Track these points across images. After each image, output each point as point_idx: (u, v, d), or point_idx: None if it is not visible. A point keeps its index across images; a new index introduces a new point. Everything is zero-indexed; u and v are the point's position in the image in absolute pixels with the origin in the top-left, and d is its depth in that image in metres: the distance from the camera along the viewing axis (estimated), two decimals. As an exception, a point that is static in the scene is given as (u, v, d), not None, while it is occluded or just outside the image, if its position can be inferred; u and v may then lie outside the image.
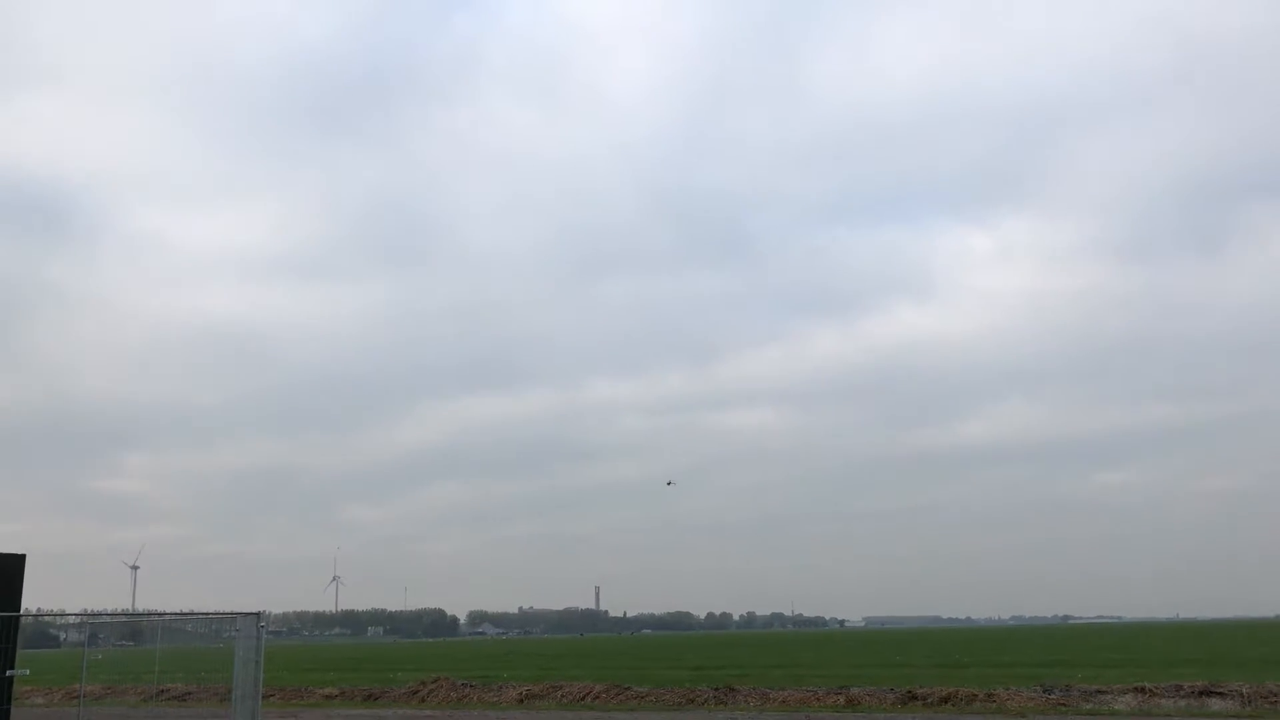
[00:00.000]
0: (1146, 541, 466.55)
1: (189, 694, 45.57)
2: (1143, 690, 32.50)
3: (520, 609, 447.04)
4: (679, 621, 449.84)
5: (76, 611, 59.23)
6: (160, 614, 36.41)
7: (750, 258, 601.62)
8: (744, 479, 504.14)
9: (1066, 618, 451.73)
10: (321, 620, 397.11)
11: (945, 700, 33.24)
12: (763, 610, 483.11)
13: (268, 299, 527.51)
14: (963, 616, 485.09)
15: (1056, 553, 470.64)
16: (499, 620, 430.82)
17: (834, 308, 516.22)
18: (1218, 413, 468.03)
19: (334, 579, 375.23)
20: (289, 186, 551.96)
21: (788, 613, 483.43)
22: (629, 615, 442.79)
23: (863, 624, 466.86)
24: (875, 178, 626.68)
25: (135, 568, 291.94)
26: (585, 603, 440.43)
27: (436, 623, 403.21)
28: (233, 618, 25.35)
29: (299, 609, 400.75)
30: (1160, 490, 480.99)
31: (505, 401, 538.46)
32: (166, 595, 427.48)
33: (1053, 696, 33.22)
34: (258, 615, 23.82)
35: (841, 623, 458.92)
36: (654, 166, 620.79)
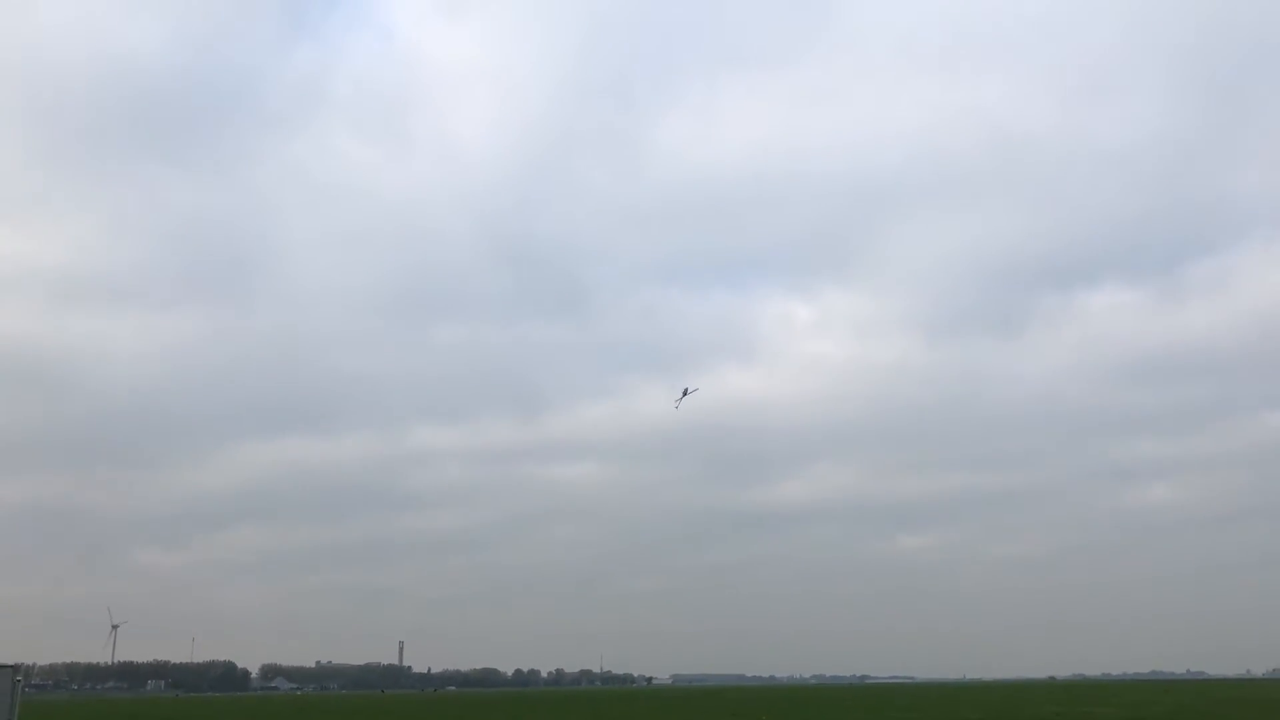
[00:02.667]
0: (940, 603, 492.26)
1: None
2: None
3: (318, 663, 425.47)
4: (485, 678, 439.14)
5: None
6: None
7: (585, 311, 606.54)
8: (563, 533, 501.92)
9: (864, 677, 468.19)
10: (94, 673, 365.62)
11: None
12: (571, 666, 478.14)
13: (71, 322, 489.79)
14: (766, 675, 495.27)
15: (858, 613, 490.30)
16: (294, 674, 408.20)
17: (663, 366, 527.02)
18: (1009, 483, 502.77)
19: (113, 627, 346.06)
20: (102, 204, 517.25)
21: (596, 669, 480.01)
22: (433, 671, 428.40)
23: (670, 681, 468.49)
24: (709, 242, 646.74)
25: None
26: (388, 658, 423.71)
27: (225, 676, 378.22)
28: (-18, 671, 22.28)
29: (69, 660, 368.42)
30: (954, 555, 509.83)
31: (320, 444, 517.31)
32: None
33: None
34: (14, 668, 20.92)
35: (649, 680, 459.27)
36: (495, 211, 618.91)
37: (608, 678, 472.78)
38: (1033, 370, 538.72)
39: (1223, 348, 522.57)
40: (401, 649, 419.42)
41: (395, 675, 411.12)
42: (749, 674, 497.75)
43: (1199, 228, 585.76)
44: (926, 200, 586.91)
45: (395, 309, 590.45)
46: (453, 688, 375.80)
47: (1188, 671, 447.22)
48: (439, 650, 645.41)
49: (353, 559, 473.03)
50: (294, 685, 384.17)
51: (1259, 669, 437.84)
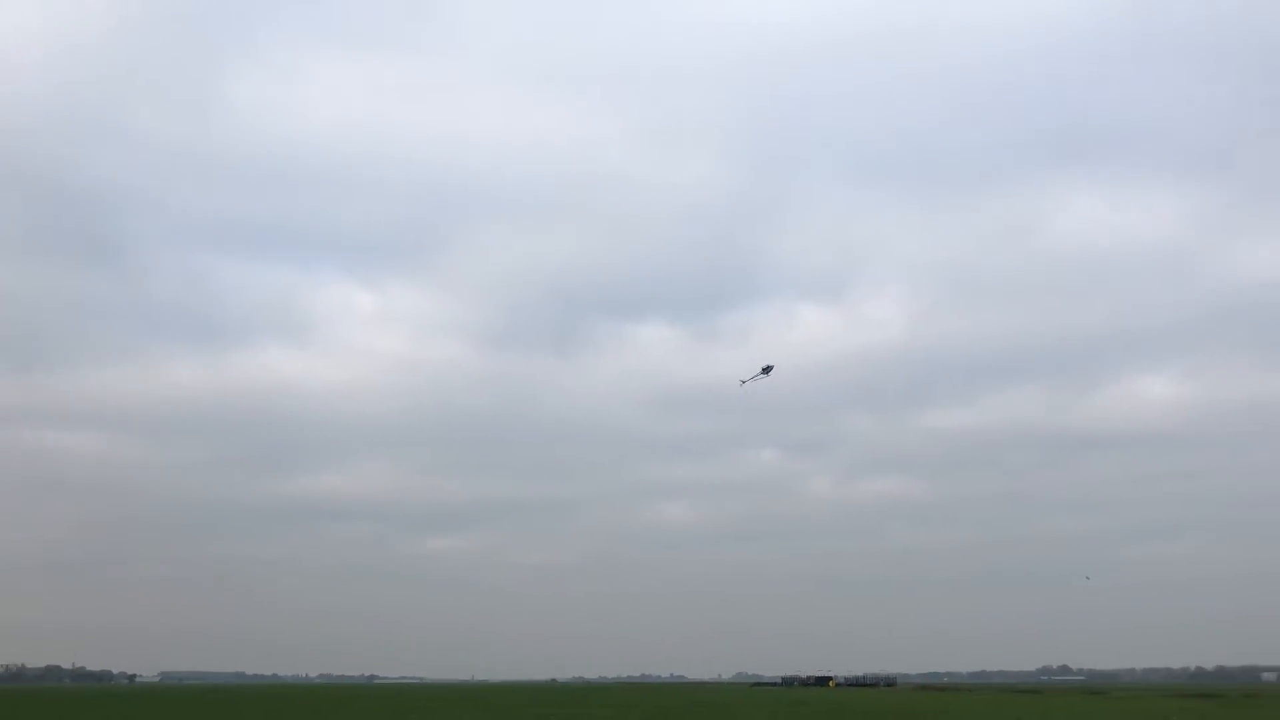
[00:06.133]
0: (463, 605, 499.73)
1: None
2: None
3: None
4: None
5: None
6: None
7: (119, 264, 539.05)
8: (52, 509, 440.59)
9: (373, 677, 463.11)
10: None
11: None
12: (34, 661, 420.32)
13: None
14: (269, 674, 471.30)
15: (379, 612, 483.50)
16: None
17: (203, 337, 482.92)
18: (547, 493, 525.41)
19: None
20: None
21: (66, 665, 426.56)
22: None
23: (158, 678, 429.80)
24: (274, 215, 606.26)
25: None
26: None
27: None
28: None
29: None
30: (487, 558, 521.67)
31: None
32: None
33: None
34: None
35: (131, 678, 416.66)
36: (23, 138, 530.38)
37: (79, 674, 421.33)
38: (581, 389, 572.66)
39: (735, 389, 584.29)
40: None
41: None
42: (250, 672, 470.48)
43: (735, 283, 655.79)
44: (505, 213, 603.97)
45: None
46: None
47: (670, 675, 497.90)
48: None
49: None
50: None
51: (727, 673, 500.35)
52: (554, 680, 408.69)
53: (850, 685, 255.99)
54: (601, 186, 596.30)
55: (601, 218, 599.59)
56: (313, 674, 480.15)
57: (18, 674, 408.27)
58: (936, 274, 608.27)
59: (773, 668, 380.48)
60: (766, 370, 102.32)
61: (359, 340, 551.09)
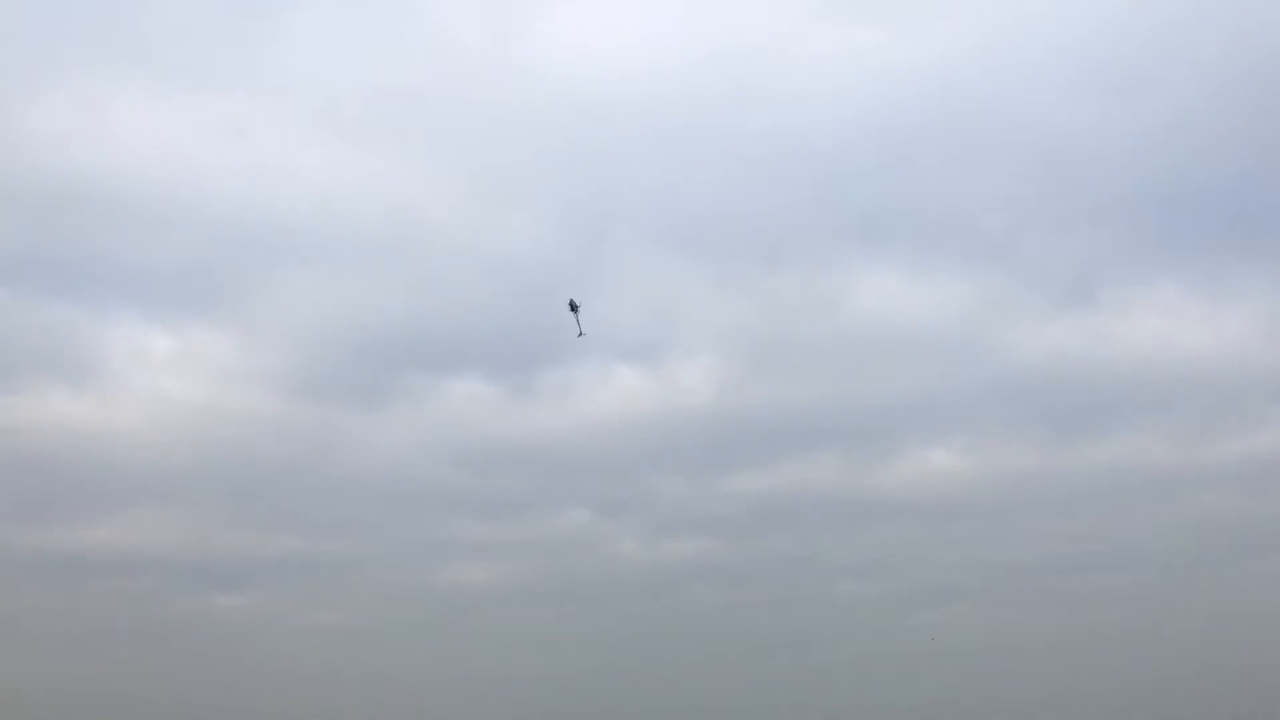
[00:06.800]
0: (243, 670, 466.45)
1: None
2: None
3: None
4: None
5: None
6: None
7: None
8: None
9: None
10: None
11: None
12: None
13: None
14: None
15: (152, 675, 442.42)
16: None
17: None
18: (339, 550, 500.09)
19: None
20: None
21: None
22: None
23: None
24: (61, 247, 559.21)
25: None
26: None
27: None
28: None
29: None
30: (270, 619, 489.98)
31: None
32: None
33: None
34: None
35: None
36: None
37: None
38: (387, 443, 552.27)
39: (551, 448, 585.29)
40: None
41: None
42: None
43: (553, 341, 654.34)
44: (318, 260, 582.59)
45: None
46: None
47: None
48: None
49: None
50: None
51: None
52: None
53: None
54: (418, 238, 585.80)
55: (418, 269, 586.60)
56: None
57: None
58: (742, 341, 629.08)
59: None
60: (574, 308, 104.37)
61: (150, 385, 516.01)
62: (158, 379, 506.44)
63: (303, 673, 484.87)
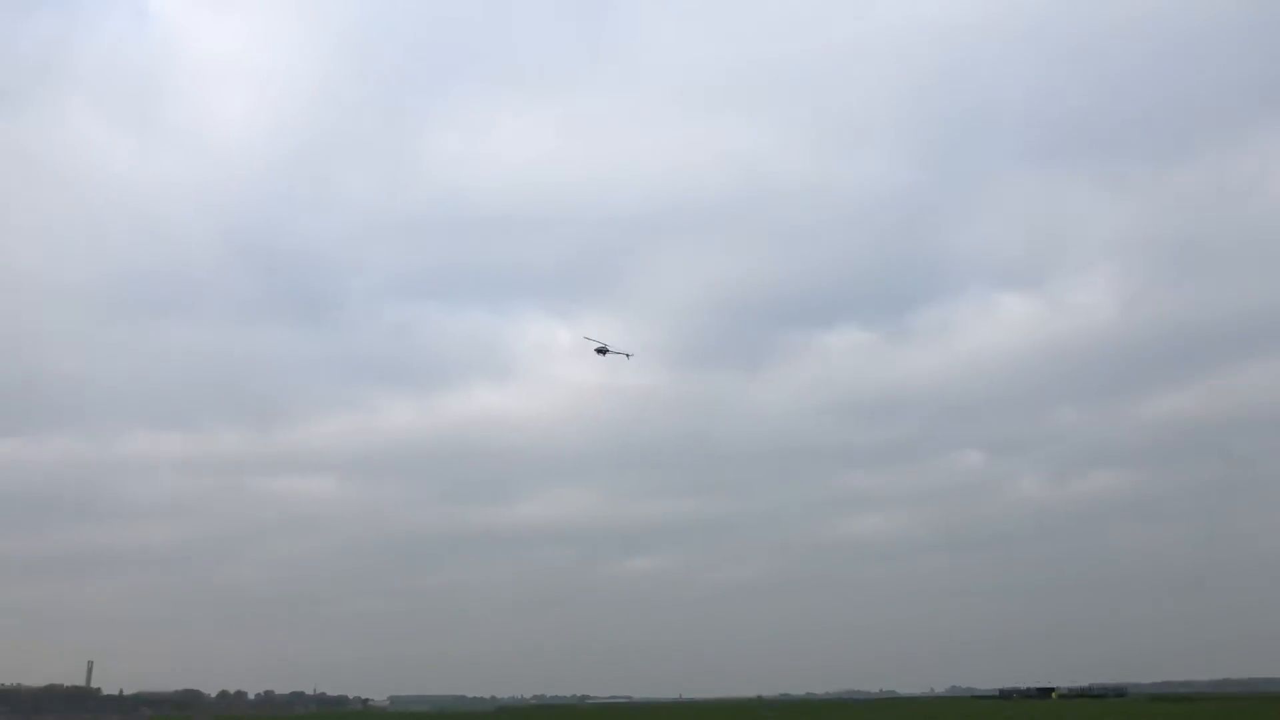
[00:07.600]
0: (660, 626, 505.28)
1: None
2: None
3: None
4: (186, 700, 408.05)
5: None
6: None
7: (333, 322, 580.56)
8: (288, 549, 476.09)
9: (585, 697, 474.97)
10: None
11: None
12: (282, 688, 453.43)
13: None
14: (488, 695, 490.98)
15: (583, 633, 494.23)
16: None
17: (413, 381, 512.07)
18: (735, 509, 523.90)
19: None
20: None
21: (309, 691, 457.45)
22: (126, 693, 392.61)
23: (387, 703, 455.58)
24: (470, 260, 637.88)
25: None
26: (74, 679, 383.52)
27: None
28: None
29: None
30: (677, 578, 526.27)
31: (15, 445, 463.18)
32: None
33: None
34: None
35: (365, 701, 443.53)
36: (243, 212, 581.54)
37: (322, 700, 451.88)
38: (771, 403, 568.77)
39: (934, 390, 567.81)
40: (90, 669, 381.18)
41: (82, 698, 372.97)
42: (470, 695, 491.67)
43: (924, 279, 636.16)
44: (683, 236, 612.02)
45: (116, 307, 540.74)
46: (149, 710, 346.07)
47: (880, 690, 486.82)
48: (135, 670, 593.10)
49: (41, 570, 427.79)
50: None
51: (939, 686, 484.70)
52: (759, 697, 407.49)
53: (1075, 696, 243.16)
54: (778, 196, 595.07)
55: (781, 228, 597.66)
56: (527, 695, 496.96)
57: (266, 699, 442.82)
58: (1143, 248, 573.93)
59: (986, 679, 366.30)
60: (602, 351, 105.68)
61: (556, 373, 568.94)
62: (563, 367, 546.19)
63: (719, 626, 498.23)
